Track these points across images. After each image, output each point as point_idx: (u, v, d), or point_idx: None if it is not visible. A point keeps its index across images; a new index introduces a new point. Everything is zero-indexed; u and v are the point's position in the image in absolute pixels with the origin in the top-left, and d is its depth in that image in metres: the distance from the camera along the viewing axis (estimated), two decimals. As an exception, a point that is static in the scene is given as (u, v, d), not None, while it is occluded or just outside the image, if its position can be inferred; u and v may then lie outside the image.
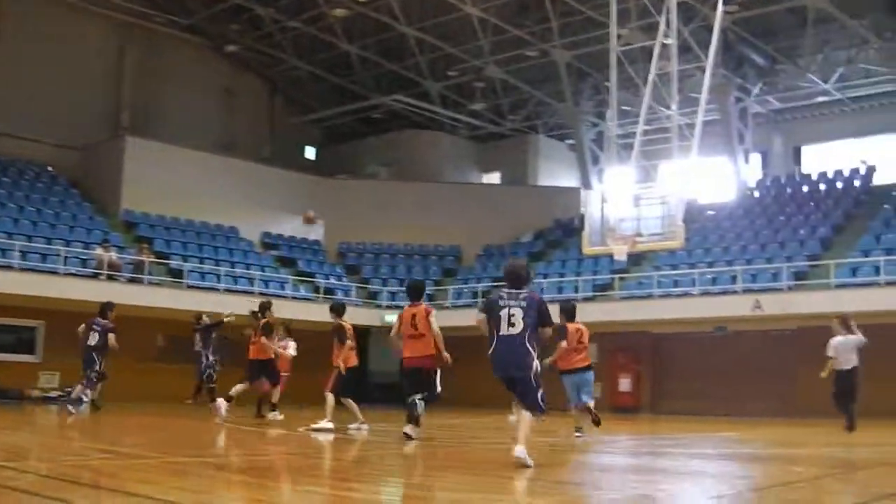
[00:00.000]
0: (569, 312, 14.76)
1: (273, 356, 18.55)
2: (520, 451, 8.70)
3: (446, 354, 13.14)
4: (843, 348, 18.08)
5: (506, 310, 9.19)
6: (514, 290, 9.40)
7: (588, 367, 14.68)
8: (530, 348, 9.19)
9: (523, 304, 9.25)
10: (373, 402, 33.96)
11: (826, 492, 7.84)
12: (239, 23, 39.37)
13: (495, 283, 35.01)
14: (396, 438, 12.87)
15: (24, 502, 6.48)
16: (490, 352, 9.32)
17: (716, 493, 7.68)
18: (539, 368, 9.37)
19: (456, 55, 38.67)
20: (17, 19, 34.78)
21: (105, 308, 19.82)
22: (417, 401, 12.85)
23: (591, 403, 14.45)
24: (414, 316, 13.19)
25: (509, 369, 9.34)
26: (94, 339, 19.28)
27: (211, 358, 23.83)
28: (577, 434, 14.23)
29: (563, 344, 14.13)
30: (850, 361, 18.06)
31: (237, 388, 17.13)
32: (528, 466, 8.57)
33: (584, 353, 14.77)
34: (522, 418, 9.19)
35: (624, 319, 28.92)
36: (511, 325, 9.11)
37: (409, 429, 12.71)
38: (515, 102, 42.74)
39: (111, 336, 19.23)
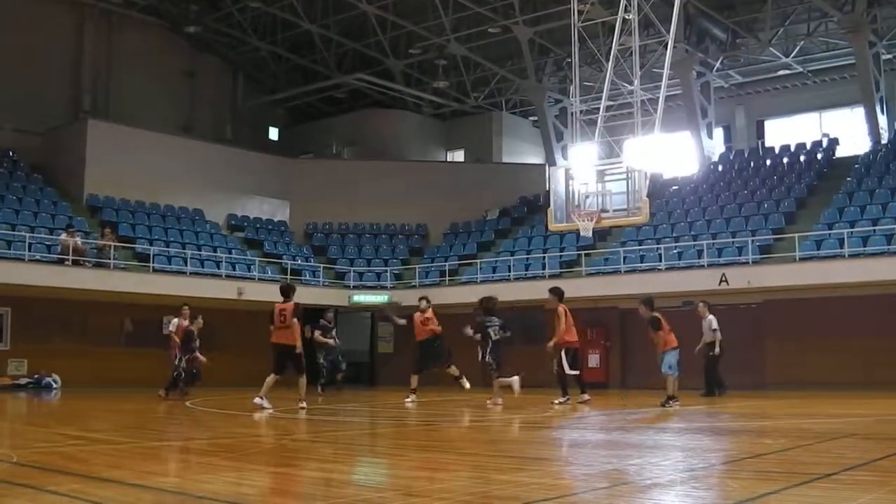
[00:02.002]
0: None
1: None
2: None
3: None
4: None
5: None
6: None
7: None
8: None
9: None
10: (341, 382, 34.03)
11: (797, 463, 7.92)
12: (198, 3, 39.04)
13: (462, 262, 35.15)
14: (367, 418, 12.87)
15: (-5, 490, 6.45)
16: None
17: (687, 467, 7.74)
18: None
19: (417, 33, 38.58)
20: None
21: None
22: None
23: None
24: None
25: None
26: None
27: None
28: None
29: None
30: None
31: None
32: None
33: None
34: None
35: (591, 295, 28.98)
36: None
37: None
38: (478, 79, 42.69)
39: None
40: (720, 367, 21.64)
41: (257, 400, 15.45)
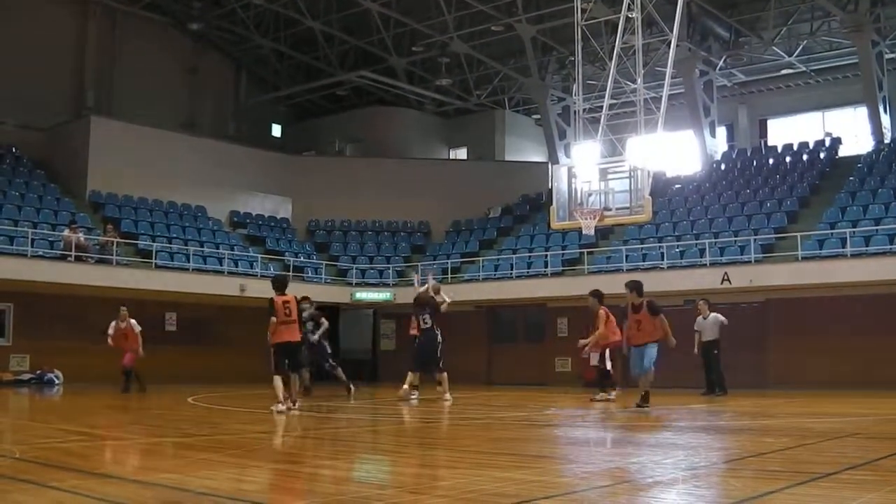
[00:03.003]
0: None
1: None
2: None
3: None
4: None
5: None
6: None
7: None
8: None
9: None
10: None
11: (799, 462, 7.92)
12: (201, 0, 39.02)
13: (465, 259, 35.15)
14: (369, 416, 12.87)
15: (-3, 485, 6.47)
16: None
17: (689, 465, 7.74)
18: None
19: (420, 30, 38.55)
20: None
21: None
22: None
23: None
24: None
25: None
26: None
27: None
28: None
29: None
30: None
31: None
32: None
33: None
34: None
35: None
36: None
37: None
38: (481, 77, 42.68)
39: None
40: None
41: (280, 407, 13.99)
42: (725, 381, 21.27)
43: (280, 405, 13.97)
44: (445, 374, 18.59)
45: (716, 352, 21.15)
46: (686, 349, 19.94)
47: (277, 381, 14.28)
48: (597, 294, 18.09)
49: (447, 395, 18.04)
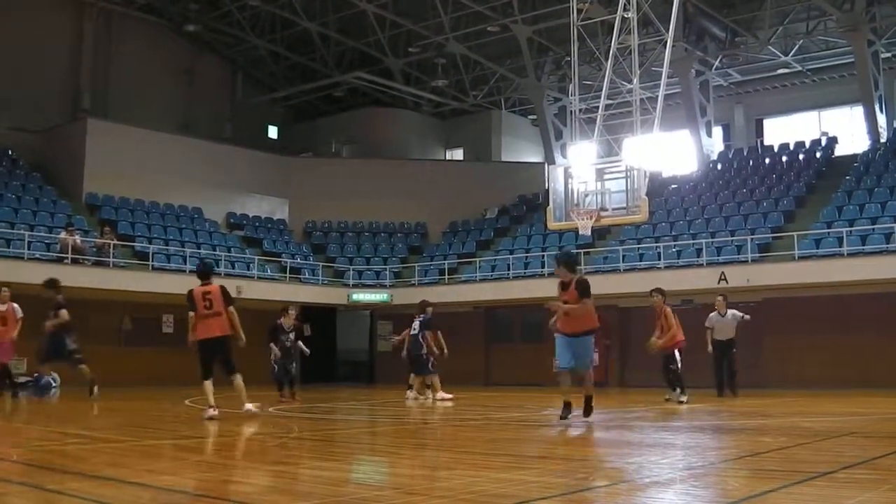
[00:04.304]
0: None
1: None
2: None
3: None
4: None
5: None
6: None
7: None
8: None
9: None
10: (340, 380, 34.14)
11: (796, 461, 7.91)
12: (197, 2, 39.03)
13: (462, 260, 35.15)
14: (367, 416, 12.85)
15: (-5, 488, 6.46)
16: None
17: (686, 465, 7.74)
18: None
19: (416, 31, 38.59)
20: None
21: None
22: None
23: None
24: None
25: None
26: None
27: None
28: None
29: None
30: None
31: None
32: None
33: None
34: None
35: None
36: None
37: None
38: (477, 78, 42.70)
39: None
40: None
41: (210, 411, 12.98)
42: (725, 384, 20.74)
43: (211, 410, 12.93)
44: (436, 376, 19.22)
45: (734, 350, 20.70)
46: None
47: (206, 385, 13.46)
48: (661, 291, 17.40)
49: (437, 396, 18.38)
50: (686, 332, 17.32)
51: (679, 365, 17.22)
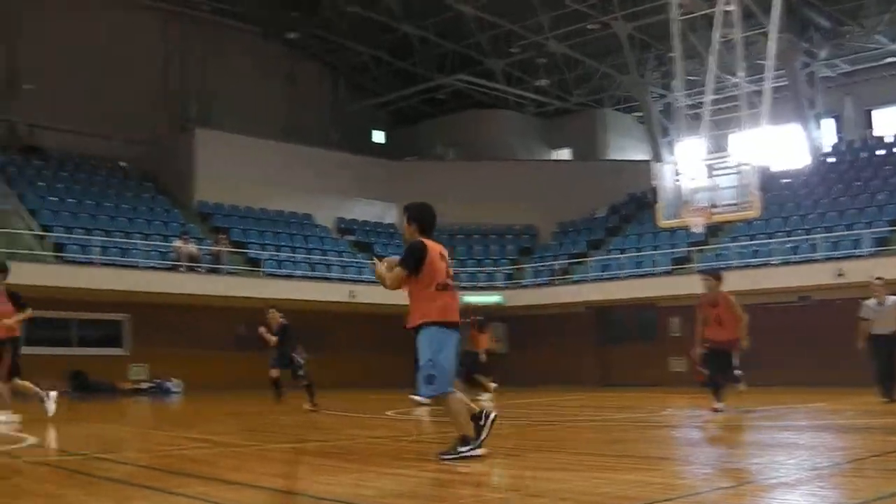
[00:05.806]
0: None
1: None
2: None
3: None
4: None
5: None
6: None
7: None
8: None
9: None
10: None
11: (926, 460, 7.72)
12: (297, 9, 39.53)
13: (573, 260, 34.98)
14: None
15: (123, 492, 6.65)
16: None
17: (812, 465, 7.59)
18: None
19: (516, 31, 38.54)
20: (64, 19, 34.93)
21: None
22: None
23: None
24: None
25: None
26: None
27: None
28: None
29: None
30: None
31: None
32: None
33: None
34: None
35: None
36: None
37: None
38: (580, 77, 42.48)
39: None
40: None
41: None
42: None
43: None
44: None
45: None
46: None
47: (17, 383, 12.96)
48: (717, 276, 14.69)
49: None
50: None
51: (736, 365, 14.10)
